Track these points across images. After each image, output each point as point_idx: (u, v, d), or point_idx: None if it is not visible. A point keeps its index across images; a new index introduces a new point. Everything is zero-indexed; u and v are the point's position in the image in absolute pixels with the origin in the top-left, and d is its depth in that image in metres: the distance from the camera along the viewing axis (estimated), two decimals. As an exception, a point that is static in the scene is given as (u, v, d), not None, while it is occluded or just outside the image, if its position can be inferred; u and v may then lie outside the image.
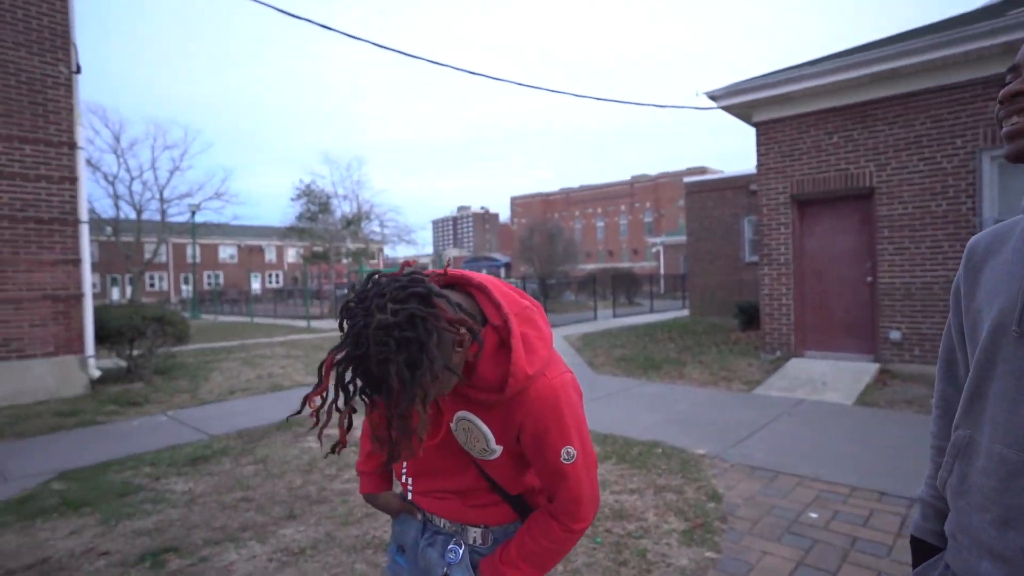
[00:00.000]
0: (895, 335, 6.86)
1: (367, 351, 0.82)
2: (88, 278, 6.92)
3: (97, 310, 7.42)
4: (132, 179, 33.53)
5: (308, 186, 25.58)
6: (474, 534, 1.16)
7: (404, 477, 1.23)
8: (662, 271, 35.06)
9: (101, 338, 7.27)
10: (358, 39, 7.93)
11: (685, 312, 17.81)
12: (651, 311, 19.34)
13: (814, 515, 3.16)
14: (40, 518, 3.34)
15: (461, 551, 1.14)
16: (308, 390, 5.57)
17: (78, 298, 6.81)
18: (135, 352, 7.65)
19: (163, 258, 43.84)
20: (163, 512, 3.42)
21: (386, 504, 1.29)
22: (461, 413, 1.05)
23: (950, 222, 6.51)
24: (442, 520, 1.18)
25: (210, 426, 5.40)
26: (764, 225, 7.95)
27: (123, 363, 7.83)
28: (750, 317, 10.91)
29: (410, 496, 1.23)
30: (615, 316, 17.37)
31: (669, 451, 4.30)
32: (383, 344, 0.82)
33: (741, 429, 4.85)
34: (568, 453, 1.02)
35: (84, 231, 6.85)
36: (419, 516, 1.23)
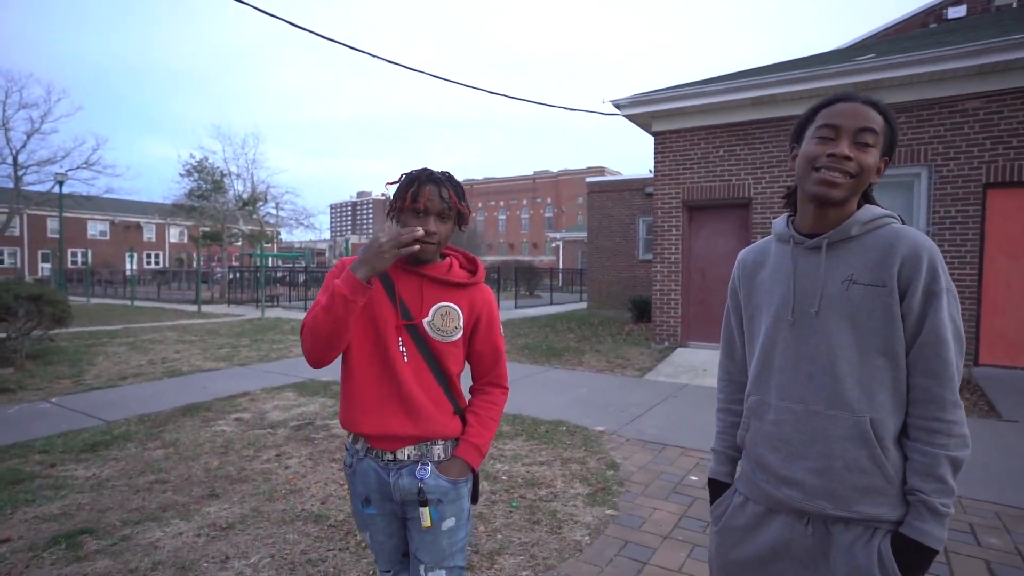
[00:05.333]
0: (763, 328, 7.83)
1: (434, 173, 1.47)
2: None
3: (-43, 287, 6.67)
4: (-22, 139, 29.36)
5: (200, 162, 23.79)
6: (437, 449, 1.47)
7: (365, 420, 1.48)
8: (561, 265, 36.37)
9: (-39, 318, 6.56)
10: (270, 15, 7.68)
11: (583, 304, 18.74)
12: (551, 303, 20.14)
13: (695, 478, 3.70)
14: (-77, 507, 3.12)
15: (429, 467, 1.45)
16: (210, 375, 5.55)
17: (-63, 273, 6.09)
18: (2, 335, 6.97)
19: (15, 231, 38.85)
20: (67, 497, 3.31)
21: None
22: (441, 303, 1.48)
23: (810, 232, 7.53)
24: (406, 451, 1.45)
25: (104, 412, 5.13)
26: (658, 227, 8.70)
27: (-13, 346, 7.09)
28: (642, 310, 11.82)
29: (371, 450, 1.47)
30: (517, 307, 17.91)
31: (572, 428, 4.74)
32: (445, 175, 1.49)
33: (635, 409, 5.41)
34: (502, 332, 1.60)
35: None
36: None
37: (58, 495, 3.34)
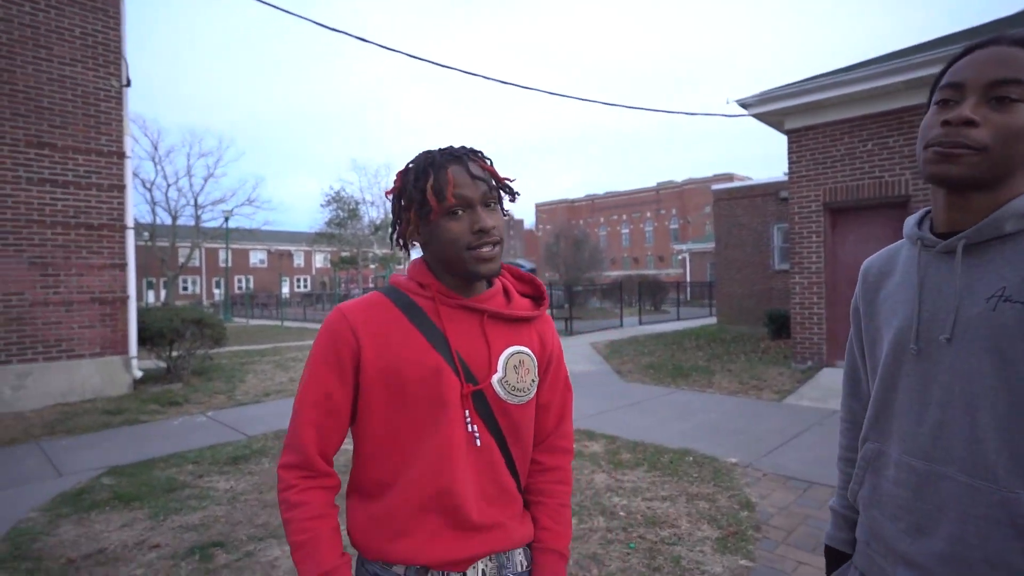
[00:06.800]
0: (932, 346, 6.73)
1: (447, 149, 1.04)
2: (133, 282, 7.20)
3: (139, 312, 7.70)
4: (168, 186, 34.73)
5: (337, 192, 26.16)
6: (519, 557, 1.09)
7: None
8: (688, 278, 34.72)
9: (142, 339, 7.54)
10: (393, 50, 8.13)
11: (712, 320, 17.63)
12: (678, 318, 19.19)
13: (849, 526, 3.14)
14: (94, 511, 3.51)
15: None
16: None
17: (123, 301, 7.08)
18: (174, 353, 7.91)
19: (196, 262, 45.06)
20: (208, 508, 3.56)
21: None
22: (511, 349, 1.05)
23: (990, 231, 6.38)
24: (479, 566, 1.04)
25: (247, 426, 5.57)
26: (795, 233, 7.88)
27: (163, 364, 8.10)
28: (780, 326, 10.79)
29: (427, 571, 1.02)
30: (641, 323, 17.27)
31: (700, 459, 4.31)
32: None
33: (773, 438, 4.82)
34: (567, 372, 1.20)
35: (130, 236, 7.14)
36: None
37: (200, 505, 3.61)
